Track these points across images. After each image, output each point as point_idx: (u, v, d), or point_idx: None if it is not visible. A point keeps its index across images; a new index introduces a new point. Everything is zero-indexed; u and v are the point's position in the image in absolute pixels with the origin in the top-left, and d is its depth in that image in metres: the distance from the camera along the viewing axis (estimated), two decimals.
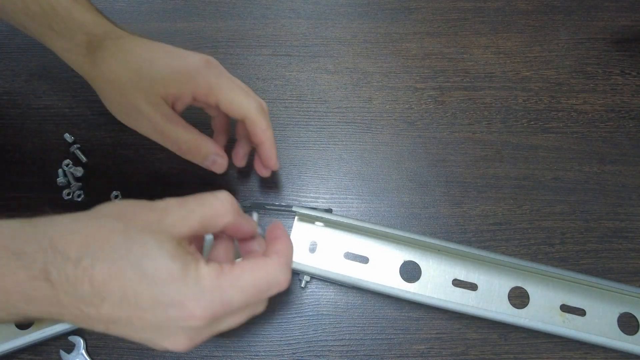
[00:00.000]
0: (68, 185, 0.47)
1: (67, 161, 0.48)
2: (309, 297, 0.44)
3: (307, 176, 0.48)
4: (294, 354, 0.42)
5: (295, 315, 0.43)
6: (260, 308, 0.31)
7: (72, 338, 0.42)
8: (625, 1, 0.57)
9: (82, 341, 0.42)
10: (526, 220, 0.46)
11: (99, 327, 0.25)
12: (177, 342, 0.26)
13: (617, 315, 0.42)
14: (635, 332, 0.42)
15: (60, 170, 0.48)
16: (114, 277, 0.23)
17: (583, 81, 0.53)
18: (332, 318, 0.43)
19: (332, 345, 0.42)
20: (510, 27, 0.55)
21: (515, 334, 0.43)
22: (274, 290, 0.29)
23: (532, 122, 0.51)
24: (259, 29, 0.55)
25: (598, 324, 0.42)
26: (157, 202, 0.27)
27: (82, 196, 0.47)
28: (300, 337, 0.43)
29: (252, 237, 0.33)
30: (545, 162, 0.49)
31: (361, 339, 0.42)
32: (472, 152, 0.49)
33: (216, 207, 0.28)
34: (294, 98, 0.52)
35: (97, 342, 0.42)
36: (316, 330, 0.43)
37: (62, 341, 0.42)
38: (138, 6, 0.57)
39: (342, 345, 0.42)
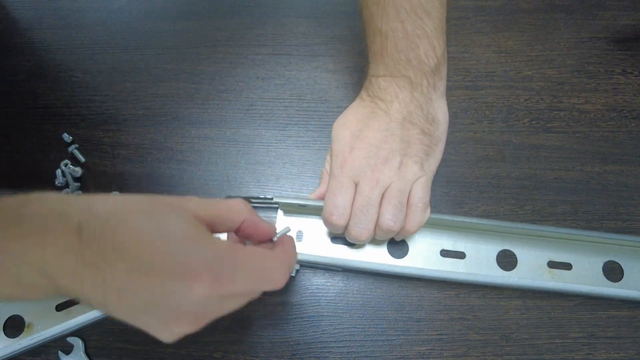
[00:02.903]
0: (67, 185, 0.47)
1: (65, 161, 0.48)
2: (309, 297, 0.44)
3: (307, 176, 0.48)
4: (293, 355, 0.42)
5: (295, 316, 0.43)
6: (245, 300, 0.30)
7: (71, 339, 0.41)
8: (627, 0, 0.56)
9: (81, 342, 0.41)
10: (528, 221, 0.46)
11: (112, 297, 0.25)
12: (180, 320, 0.26)
13: (602, 264, 0.43)
14: (620, 279, 0.43)
15: (58, 171, 0.48)
16: (134, 235, 0.25)
17: (585, 80, 0.52)
18: (333, 319, 0.43)
19: (332, 347, 0.42)
20: (512, 25, 0.55)
21: (516, 335, 0.42)
22: (269, 285, 0.29)
23: (533, 122, 0.50)
24: (259, 28, 0.55)
25: (584, 275, 0.43)
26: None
27: None
28: (300, 338, 0.42)
29: (269, 242, 0.35)
30: (547, 161, 0.48)
31: (362, 340, 0.42)
32: (474, 152, 0.49)
33: (233, 204, 0.31)
34: (294, 97, 0.51)
35: (97, 344, 0.42)
36: (316, 331, 0.43)
37: (61, 342, 0.42)
38: (137, 5, 0.56)
39: (343, 347, 0.42)
